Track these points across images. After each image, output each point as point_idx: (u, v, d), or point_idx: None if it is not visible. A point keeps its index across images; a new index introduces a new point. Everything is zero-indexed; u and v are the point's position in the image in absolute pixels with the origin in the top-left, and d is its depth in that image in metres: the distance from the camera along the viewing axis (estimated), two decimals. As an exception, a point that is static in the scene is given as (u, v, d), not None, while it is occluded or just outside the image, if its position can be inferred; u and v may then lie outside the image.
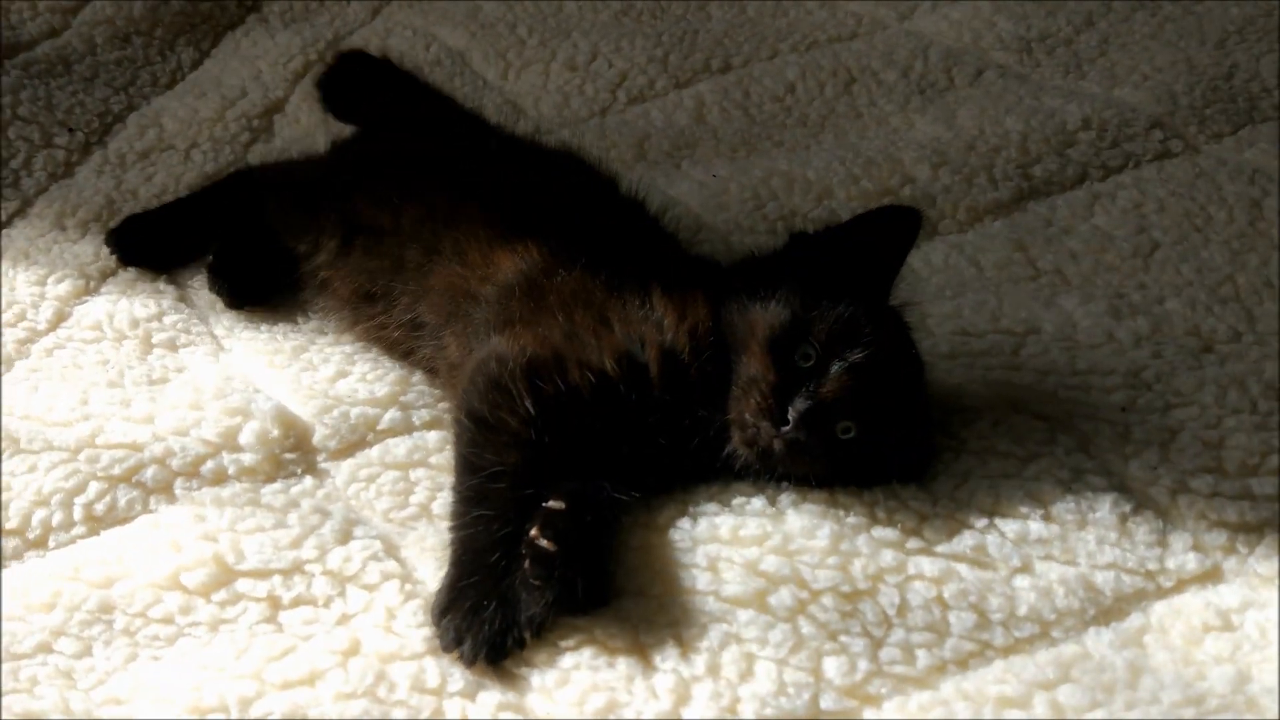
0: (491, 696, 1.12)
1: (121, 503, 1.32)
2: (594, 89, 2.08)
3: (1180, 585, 1.19)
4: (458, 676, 1.13)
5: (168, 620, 1.19)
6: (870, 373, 1.22)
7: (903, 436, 1.26)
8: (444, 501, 1.31)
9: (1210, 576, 1.20)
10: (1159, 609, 1.17)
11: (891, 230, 1.31)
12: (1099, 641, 1.14)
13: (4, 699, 1.12)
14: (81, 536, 1.29)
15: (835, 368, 1.21)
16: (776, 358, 1.23)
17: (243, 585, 1.21)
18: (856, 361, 1.21)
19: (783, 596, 1.16)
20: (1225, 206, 1.68)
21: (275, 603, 1.20)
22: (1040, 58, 2.09)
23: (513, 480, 1.21)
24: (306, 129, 2.01)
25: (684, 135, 1.96)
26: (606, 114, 2.03)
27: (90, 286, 1.67)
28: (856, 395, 1.21)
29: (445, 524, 1.24)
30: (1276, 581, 1.18)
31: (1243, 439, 1.31)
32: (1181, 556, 1.21)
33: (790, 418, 1.20)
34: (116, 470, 1.34)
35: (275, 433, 1.38)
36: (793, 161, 1.83)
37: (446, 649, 1.14)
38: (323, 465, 1.38)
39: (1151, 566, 1.20)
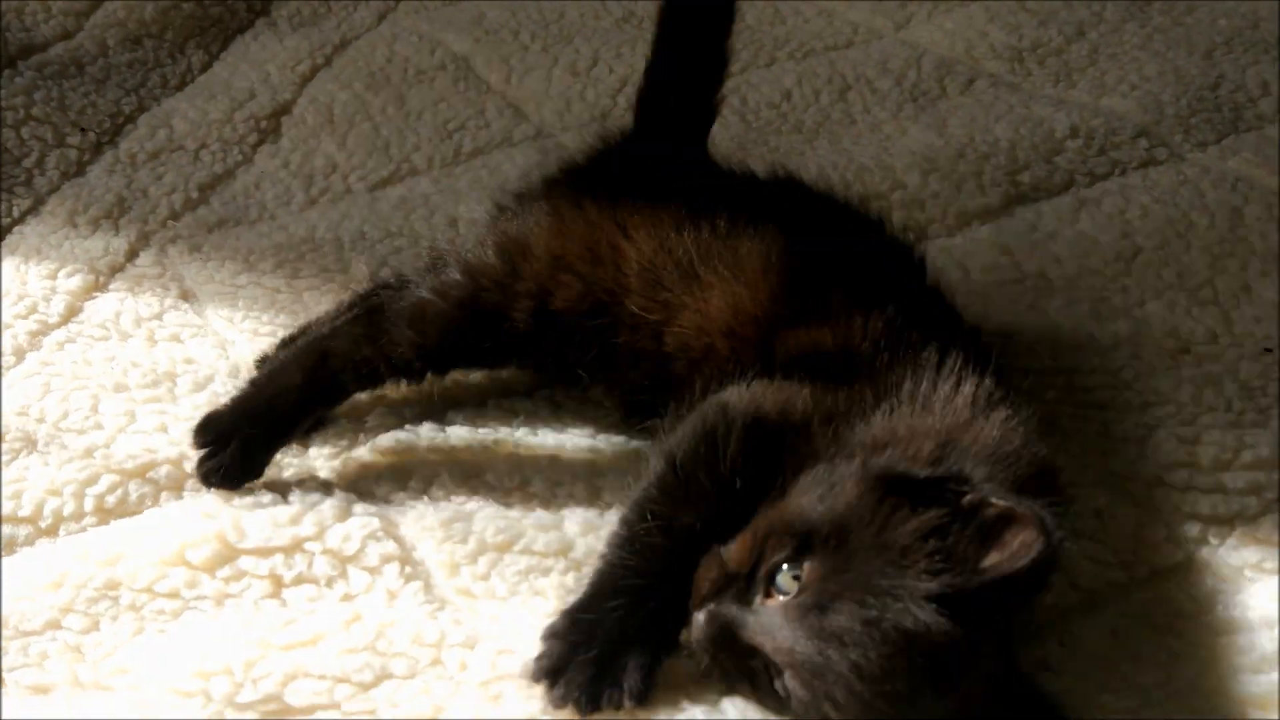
0: (490, 645, 1.16)
1: (133, 496, 1.35)
2: (595, 94, 2.13)
3: (1155, 575, 1.23)
4: (456, 633, 1.17)
5: (174, 595, 1.23)
6: (845, 661, 0.97)
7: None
8: (443, 482, 1.36)
9: (1183, 566, 1.24)
10: (1135, 599, 1.22)
11: (1010, 540, 0.98)
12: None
13: (15, 673, 1.16)
14: (92, 525, 1.33)
15: (797, 619, 1.00)
16: (758, 551, 1.05)
17: (246, 563, 1.26)
18: (833, 632, 0.98)
19: None
20: (1207, 213, 1.72)
21: (278, 581, 1.24)
22: (1031, 67, 2.14)
23: (675, 539, 1.10)
24: (313, 129, 2.05)
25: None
26: (607, 118, 2.08)
27: (100, 282, 1.71)
28: (806, 668, 0.99)
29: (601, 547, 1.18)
30: (1245, 571, 1.23)
31: (1217, 435, 1.36)
32: (1157, 548, 1.25)
33: (700, 615, 1.05)
34: (130, 465, 1.37)
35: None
36: (787, 167, 1.87)
37: (535, 678, 1.09)
38: (318, 463, 1.40)
39: (1127, 558, 1.24)
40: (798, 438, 1.12)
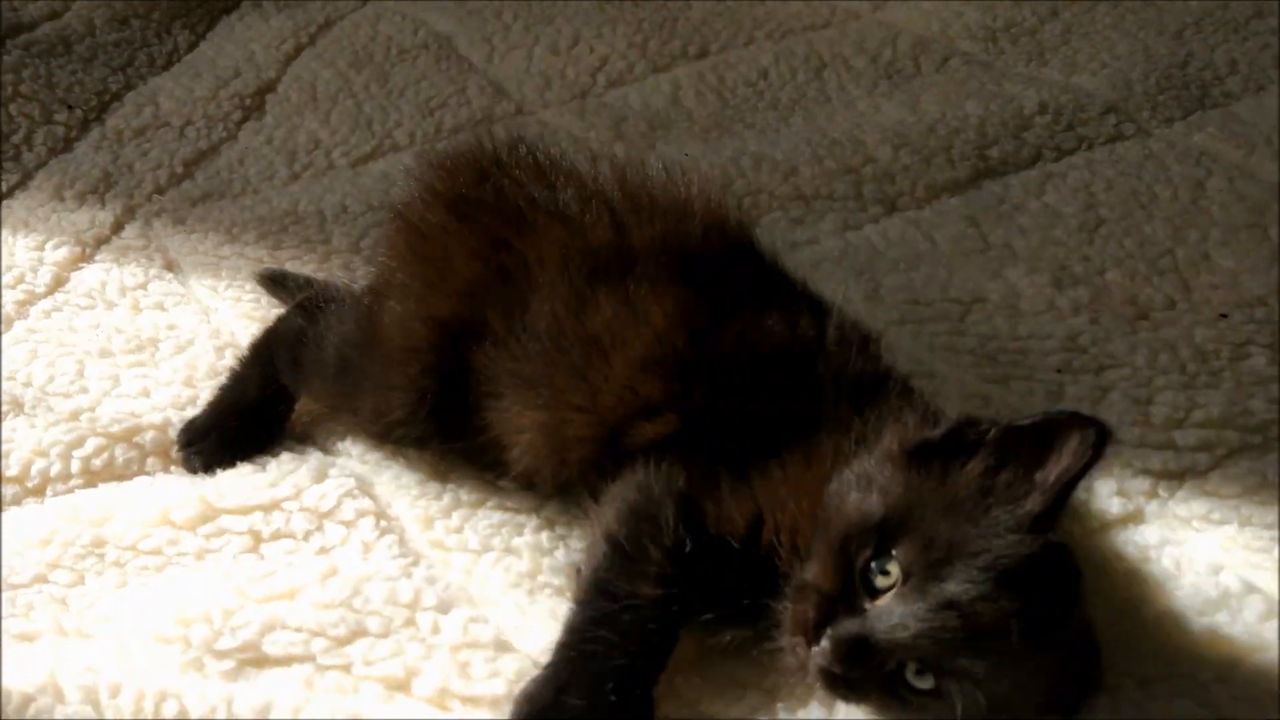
0: (463, 611, 1.20)
1: (120, 460, 1.39)
2: (575, 73, 2.16)
3: (1105, 527, 1.27)
4: (431, 593, 1.21)
5: (156, 552, 1.27)
6: (968, 617, 0.97)
7: (1025, 686, 1.00)
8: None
9: (1132, 518, 1.28)
10: (1086, 548, 1.25)
11: (1067, 443, 1.02)
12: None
13: (1, 623, 1.20)
14: (79, 487, 1.37)
15: (914, 599, 0.99)
16: (843, 562, 1.03)
17: (226, 521, 1.29)
18: (951, 598, 0.98)
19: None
20: (1170, 185, 1.76)
21: (257, 536, 1.28)
22: (1005, 46, 2.18)
23: (643, 612, 1.09)
24: (297, 107, 2.09)
25: (660, 117, 2.04)
26: (586, 96, 2.11)
27: (86, 253, 1.75)
28: (937, 641, 0.98)
29: (561, 630, 1.13)
30: (1193, 522, 1.27)
31: (1170, 396, 1.40)
32: (1107, 501, 1.29)
33: (824, 641, 1.01)
34: (116, 429, 1.41)
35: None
36: (762, 142, 1.92)
37: None
38: (300, 428, 1.45)
39: (1079, 510, 1.28)
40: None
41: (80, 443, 1.39)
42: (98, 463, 1.38)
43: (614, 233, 1.26)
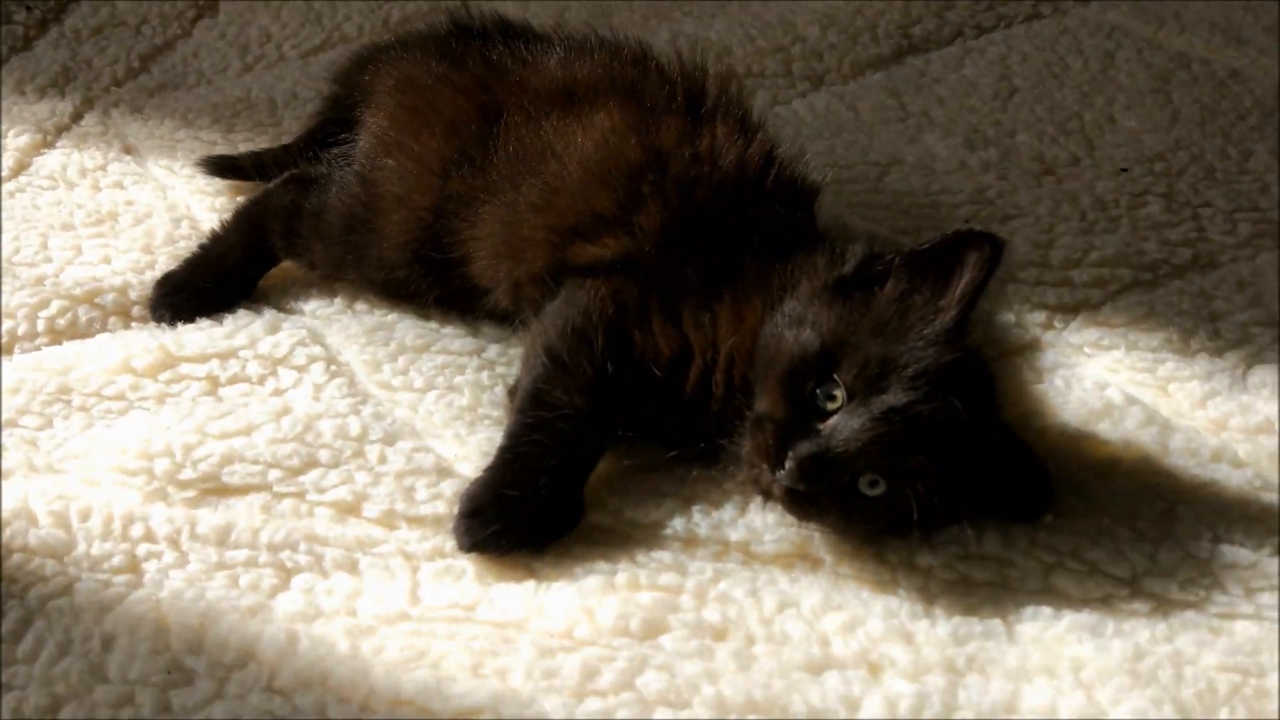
0: (407, 443, 1.29)
1: (82, 320, 1.47)
2: (520, -31, 2.23)
3: (1004, 354, 1.38)
4: (378, 428, 1.30)
5: (119, 397, 1.36)
6: (908, 421, 1.07)
7: (960, 482, 1.11)
8: (367, 298, 1.48)
9: (1029, 346, 1.38)
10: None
11: (968, 259, 1.12)
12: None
13: (-24, 462, 1.29)
14: (45, 344, 1.45)
15: (859, 413, 1.08)
16: (791, 393, 1.12)
17: (185, 368, 1.38)
18: (891, 407, 1.08)
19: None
20: (1082, 57, 1.86)
21: (214, 381, 1.37)
22: (934, -65, 2.25)
23: (576, 421, 1.20)
24: (249, 4, 2.15)
25: (600, 7, 2.11)
26: (531, -6, 2.18)
27: (47, 140, 1.82)
28: (884, 447, 1.08)
29: (501, 435, 1.24)
30: (1084, 348, 1.37)
31: (1069, 240, 1.50)
32: (1006, 332, 1.39)
33: (787, 464, 1.09)
34: (78, 292, 1.49)
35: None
36: (699, 26, 1.99)
37: (463, 547, 1.17)
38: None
39: (978, 340, 1.38)
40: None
41: (45, 304, 1.47)
42: (62, 322, 1.46)
43: (564, 69, 1.40)
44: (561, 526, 1.19)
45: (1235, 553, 1.15)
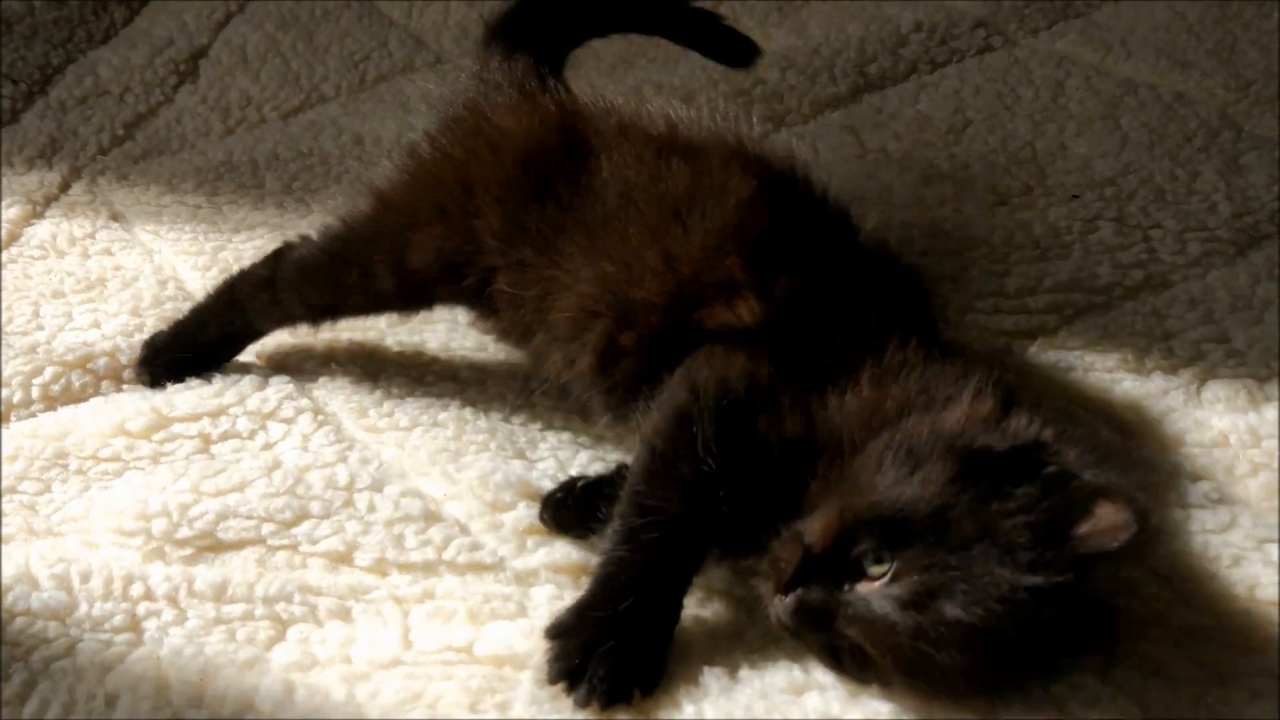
0: (395, 488, 1.34)
1: (75, 385, 1.52)
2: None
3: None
4: (365, 474, 1.35)
5: (115, 459, 1.40)
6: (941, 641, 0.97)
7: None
8: (348, 346, 1.54)
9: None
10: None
11: (1103, 517, 0.98)
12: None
13: (-23, 531, 1.34)
14: (40, 411, 1.50)
15: (891, 605, 0.99)
16: (845, 535, 1.03)
17: (177, 428, 1.43)
18: (921, 589, 0.98)
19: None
20: (1033, 87, 1.92)
21: (206, 439, 1.42)
22: (887, -27, 2.32)
23: (667, 529, 1.11)
24: (228, 69, 2.22)
25: (570, 56, 2.17)
26: (501, 43, 2.25)
27: (37, 210, 1.88)
28: (894, 645, 1.00)
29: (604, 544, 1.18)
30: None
31: (1023, 268, 1.56)
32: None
33: (788, 599, 1.04)
34: (70, 358, 1.54)
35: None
36: (662, 72, 2.06)
37: (551, 679, 1.10)
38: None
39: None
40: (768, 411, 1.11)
41: (39, 371, 1.52)
42: (56, 388, 1.51)
43: (669, 126, 1.33)
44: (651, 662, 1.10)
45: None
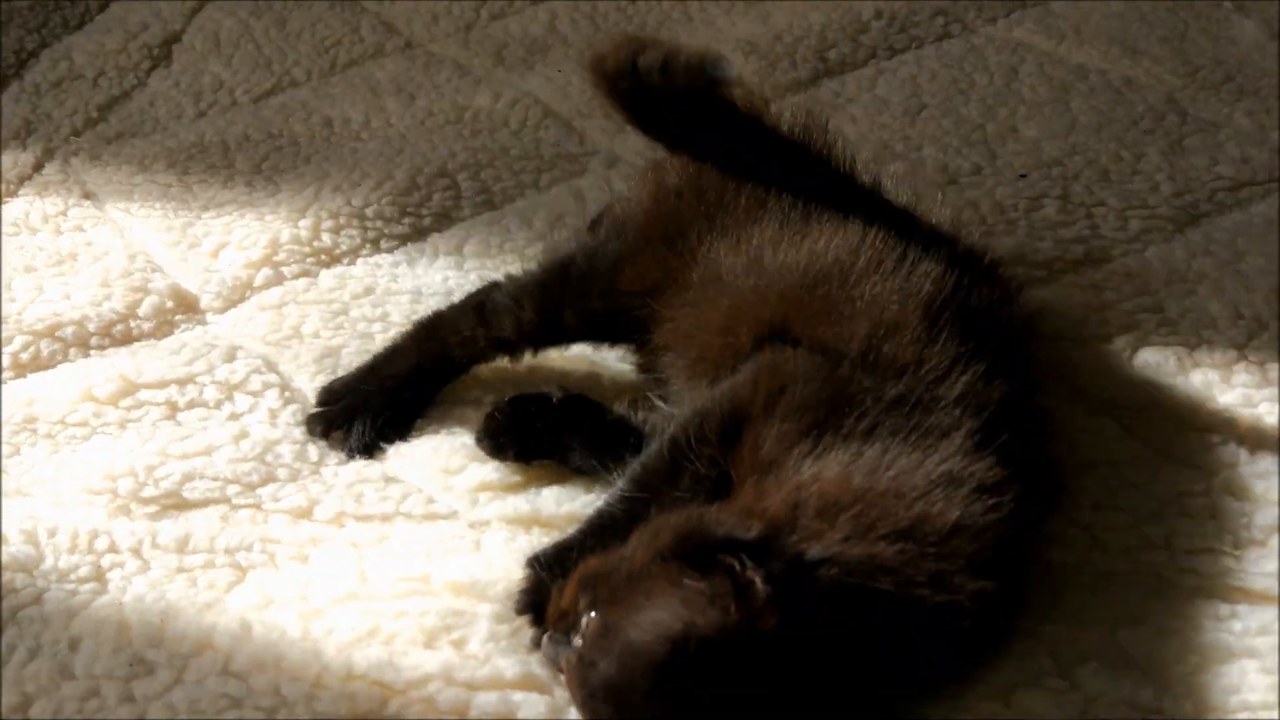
0: (359, 462, 1.39)
1: (44, 353, 1.56)
2: (460, 9, 2.32)
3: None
4: (334, 455, 1.39)
5: (83, 424, 1.45)
6: None
7: None
8: (314, 323, 1.58)
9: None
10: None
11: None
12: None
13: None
14: (11, 379, 1.54)
15: (573, 659, 1.06)
16: (577, 594, 1.09)
17: (144, 395, 1.47)
18: None
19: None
20: (988, 73, 1.97)
21: (173, 407, 1.46)
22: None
23: (664, 506, 1.16)
24: (201, 54, 2.25)
25: (538, 43, 2.22)
26: (471, 29, 2.28)
27: (10, 190, 1.91)
28: None
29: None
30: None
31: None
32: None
33: (545, 636, 1.11)
34: (40, 327, 1.59)
35: (169, 304, 1.64)
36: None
37: (518, 609, 1.16)
38: (209, 320, 1.64)
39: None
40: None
41: (9, 341, 1.56)
42: (25, 356, 1.55)
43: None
44: None
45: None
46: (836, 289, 1.25)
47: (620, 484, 1.20)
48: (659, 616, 1.01)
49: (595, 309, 1.41)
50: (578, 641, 1.05)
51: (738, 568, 1.00)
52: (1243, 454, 1.33)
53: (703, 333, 1.31)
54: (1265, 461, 1.32)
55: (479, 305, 1.46)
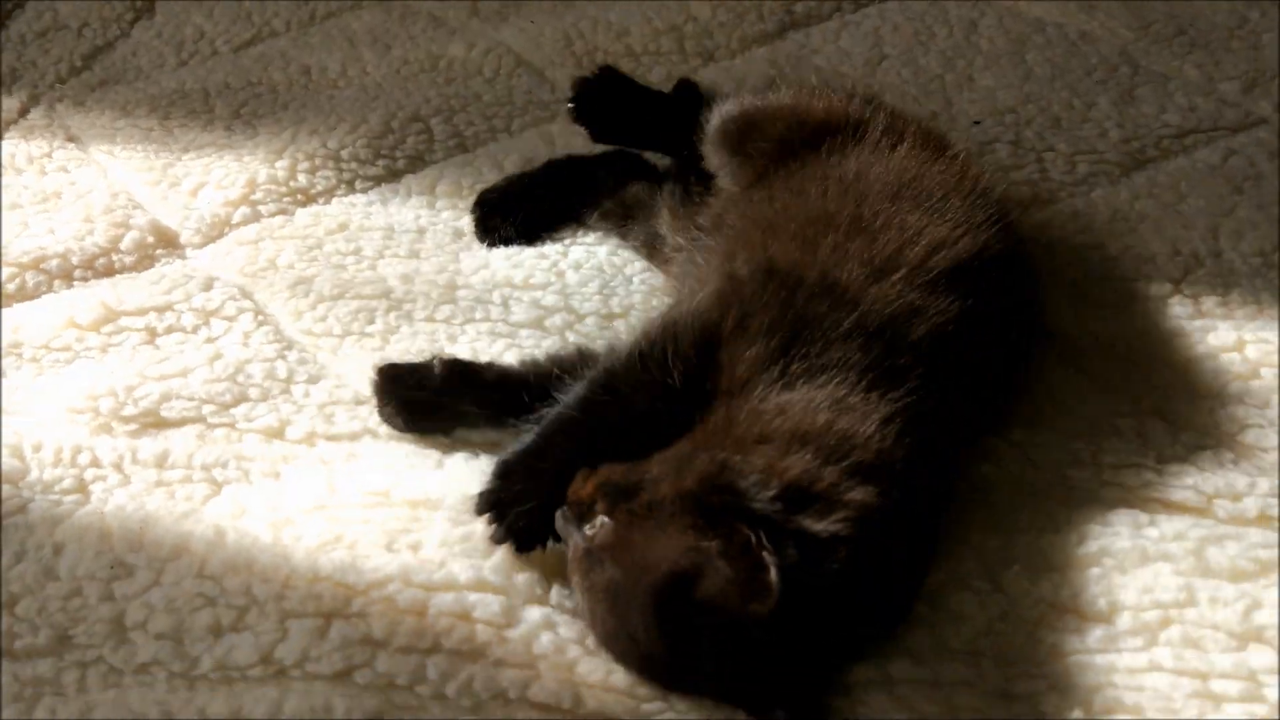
0: (330, 382, 1.45)
1: (29, 284, 1.62)
2: (439, -42, 2.38)
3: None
4: (303, 371, 1.45)
5: (66, 349, 1.50)
6: None
7: None
8: (288, 256, 1.64)
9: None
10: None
11: None
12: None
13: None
14: (-2, 310, 1.60)
15: (578, 552, 1.15)
16: (596, 490, 1.15)
17: (125, 321, 1.53)
18: None
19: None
20: (948, 25, 2.04)
21: (152, 332, 1.52)
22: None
23: (627, 414, 1.22)
24: (183, 5, 2.30)
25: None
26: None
27: (-4, 133, 1.97)
28: None
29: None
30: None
31: (921, 185, 1.67)
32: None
33: (559, 511, 1.17)
34: (25, 260, 1.64)
35: (150, 239, 1.70)
36: (599, 9, 2.16)
37: (477, 509, 1.21)
38: (189, 254, 1.70)
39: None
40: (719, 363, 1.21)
41: (-5, 270, 1.62)
42: (11, 287, 1.61)
43: None
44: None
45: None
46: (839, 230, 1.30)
47: (578, 386, 1.24)
48: (669, 557, 1.06)
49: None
50: (588, 532, 1.12)
51: (754, 542, 1.04)
52: (1172, 379, 1.40)
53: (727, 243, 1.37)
54: (1193, 386, 1.39)
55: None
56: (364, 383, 1.44)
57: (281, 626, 1.15)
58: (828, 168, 1.41)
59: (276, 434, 1.40)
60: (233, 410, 1.42)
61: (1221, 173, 1.70)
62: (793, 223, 1.33)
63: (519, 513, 1.19)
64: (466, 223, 1.71)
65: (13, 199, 1.78)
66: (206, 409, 1.42)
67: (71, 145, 1.92)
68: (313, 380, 1.46)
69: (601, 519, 1.12)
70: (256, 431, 1.40)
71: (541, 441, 1.23)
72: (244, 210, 1.74)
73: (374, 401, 1.39)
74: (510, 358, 1.44)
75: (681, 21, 2.10)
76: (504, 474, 1.22)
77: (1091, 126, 1.80)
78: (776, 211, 1.38)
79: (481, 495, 1.21)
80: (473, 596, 1.17)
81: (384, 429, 1.38)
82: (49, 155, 1.89)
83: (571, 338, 1.51)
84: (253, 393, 1.44)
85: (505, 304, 1.56)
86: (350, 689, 1.10)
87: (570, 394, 1.24)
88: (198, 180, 1.80)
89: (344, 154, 1.83)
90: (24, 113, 2.03)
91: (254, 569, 1.20)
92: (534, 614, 1.15)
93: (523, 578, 1.18)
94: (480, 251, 1.66)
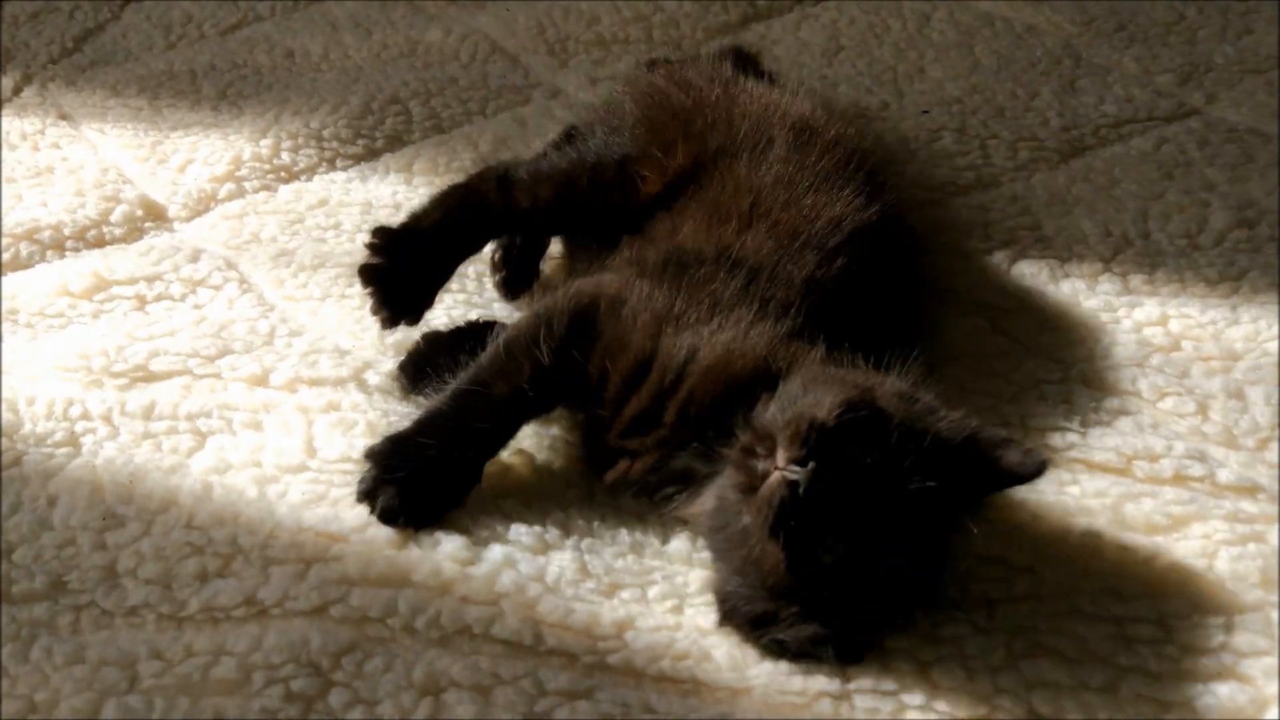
0: (312, 335, 1.53)
1: (24, 254, 1.71)
2: (423, -51, 2.47)
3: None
4: (284, 328, 1.54)
5: (59, 315, 1.58)
6: None
7: None
8: (271, 230, 1.72)
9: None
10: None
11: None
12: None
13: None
14: (-8, 278, 1.69)
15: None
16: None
17: (116, 289, 1.62)
18: None
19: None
20: (901, 19, 2.14)
21: (142, 300, 1.60)
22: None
23: (495, 403, 1.30)
24: (173, -11, 2.39)
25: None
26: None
27: (-11, 110, 2.05)
28: None
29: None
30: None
31: (872, 169, 1.77)
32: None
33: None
34: (19, 230, 1.72)
35: (139, 213, 1.79)
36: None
37: (358, 497, 1.29)
38: (176, 227, 1.79)
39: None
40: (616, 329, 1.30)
41: (-11, 242, 1.70)
42: (5, 257, 1.69)
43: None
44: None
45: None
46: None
47: (455, 381, 1.32)
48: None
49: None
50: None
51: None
52: (1099, 349, 1.51)
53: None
54: (1118, 356, 1.50)
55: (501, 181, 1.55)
56: (344, 336, 1.52)
57: (264, 572, 1.23)
58: (719, 184, 1.48)
59: (260, 381, 1.46)
60: (218, 361, 1.49)
61: (1154, 159, 1.81)
62: (692, 220, 1.43)
63: (390, 488, 1.28)
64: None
65: (7, 173, 1.86)
66: (192, 362, 1.49)
67: (64, 123, 2.01)
68: (295, 334, 1.53)
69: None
70: (241, 380, 1.47)
71: (413, 430, 1.31)
72: (229, 186, 1.83)
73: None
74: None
75: (650, 11, 2.20)
76: (370, 457, 1.30)
77: (1034, 115, 1.90)
78: (678, 224, 1.45)
79: (359, 483, 1.30)
80: (438, 534, 1.26)
81: (370, 379, 1.46)
82: (42, 132, 1.98)
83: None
84: (237, 346, 1.51)
85: (479, 278, 1.65)
86: (326, 623, 1.18)
87: (445, 392, 1.32)
88: (185, 157, 1.89)
89: (325, 133, 1.92)
90: (18, 91, 2.11)
91: (240, 521, 1.28)
92: (495, 552, 1.24)
93: (484, 517, 1.27)
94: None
